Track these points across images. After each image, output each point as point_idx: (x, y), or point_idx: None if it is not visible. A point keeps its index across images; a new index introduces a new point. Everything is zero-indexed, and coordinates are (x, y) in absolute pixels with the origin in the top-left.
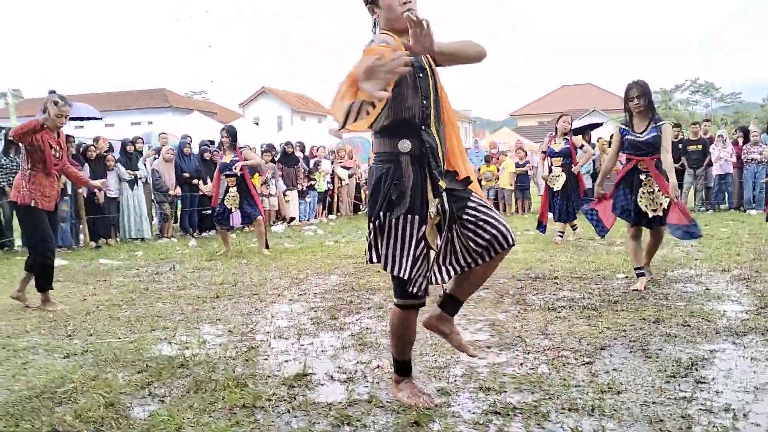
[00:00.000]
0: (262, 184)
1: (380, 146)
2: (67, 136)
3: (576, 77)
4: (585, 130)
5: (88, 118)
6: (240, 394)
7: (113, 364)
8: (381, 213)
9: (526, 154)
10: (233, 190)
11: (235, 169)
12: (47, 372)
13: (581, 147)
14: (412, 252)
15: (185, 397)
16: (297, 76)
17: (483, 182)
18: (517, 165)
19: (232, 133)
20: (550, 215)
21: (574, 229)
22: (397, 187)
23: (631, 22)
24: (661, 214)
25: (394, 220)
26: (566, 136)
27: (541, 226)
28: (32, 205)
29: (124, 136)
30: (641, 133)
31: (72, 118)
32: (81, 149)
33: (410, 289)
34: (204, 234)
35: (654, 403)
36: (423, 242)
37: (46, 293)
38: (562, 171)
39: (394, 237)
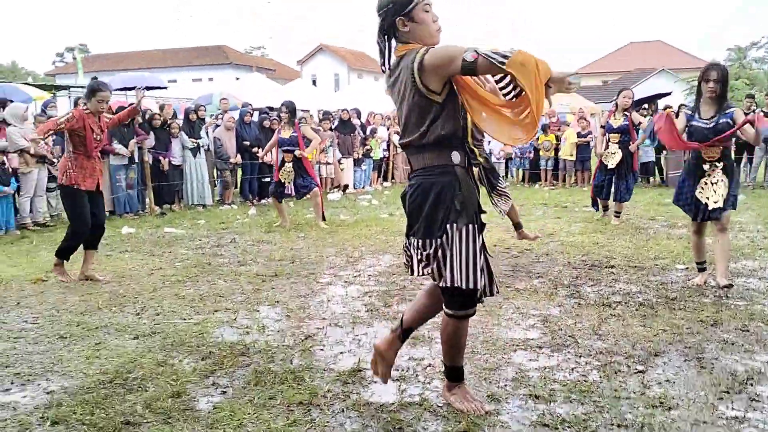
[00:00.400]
0: (321, 152)
1: (432, 159)
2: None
3: (645, 35)
4: (652, 100)
5: (154, 88)
6: (297, 389)
7: (179, 348)
8: (447, 226)
9: (589, 124)
10: (289, 166)
11: (299, 154)
12: (119, 355)
13: (639, 124)
14: (479, 261)
15: (246, 390)
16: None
17: (541, 152)
18: (579, 135)
19: (291, 109)
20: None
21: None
22: (460, 197)
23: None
24: (721, 204)
25: (458, 231)
26: (626, 112)
27: (596, 203)
28: (74, 187)
29: (186, 92)
30: (709, 120)
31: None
32: (146, 117)
33: (477, 297)
34: (263, 201)
35: (704, 422)
36: (483, 251)
37: (61, 261)
38: (619, 148)
39: (462, 249)
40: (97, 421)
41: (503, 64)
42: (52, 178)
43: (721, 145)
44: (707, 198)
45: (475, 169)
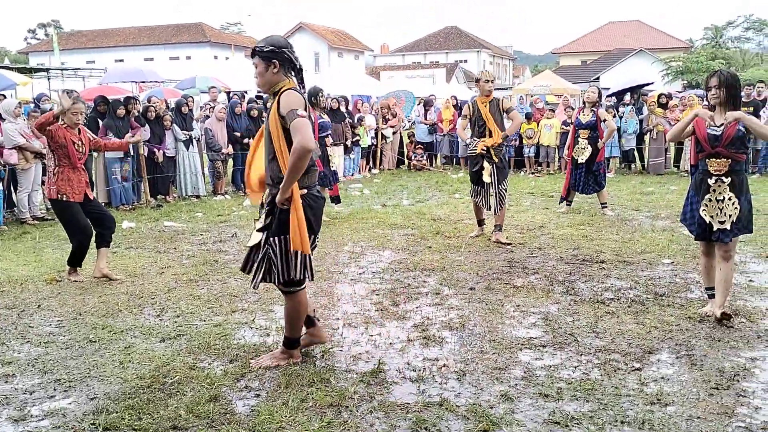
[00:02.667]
0: None
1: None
2: (129, 98)
3: (623, 14)
4: (634, 90)
5: (152, 81)
6: (326, 391)
7: (206, 351)
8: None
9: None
10: (331, 149)
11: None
12: (150, 359)
13: (604, 121)
14: None
15: (278, 392)
16: None
17: (525, 140)
18: (565, 124)
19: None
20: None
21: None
22: None
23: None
24: (728, 227)
25: None
26: (593, 108)
27: (565, 201)
28: (63, 199)
29: (165, 73)
30: (719, 127)
31: (137, 82)
32: (142, 110)
33: None
34: None
35: (698, 418)
36: None
37: (74, 268)
38: (588, 144)
39: None
40: (146, 426)
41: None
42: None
43: (731, 157)
44: (711, 217)
45: (489, 166)
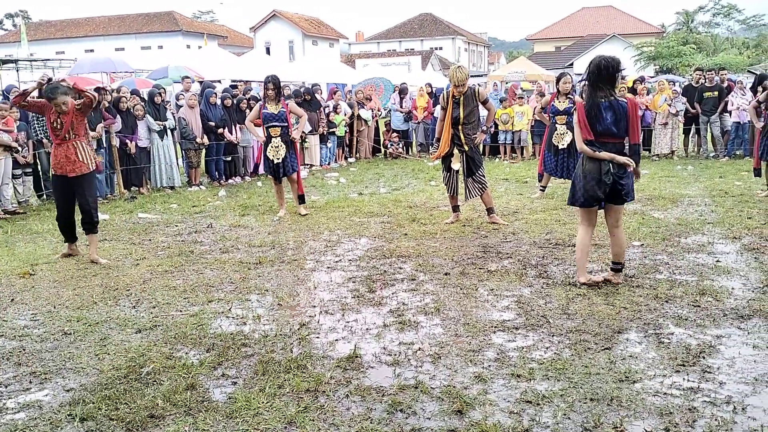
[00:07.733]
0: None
1: None
2: (99, 88)
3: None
4: None
5: (123, 72)
6: (302, 377)
7: (183, 341)
8: None
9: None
10: (278, 141)
11: (296, 133)
12: (126, 350)
13: None
14: None
15: (255, 380)
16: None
17: (500, 125)
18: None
19: (277, 84)
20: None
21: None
22: None
23: None
24: None
25: None
26: (569, 95)
27: (541, 176)
28: (51, 172)
29: (137, 63)
30: None
31: (108, 73)
32: (113, 101)
33: None
34: (230, 181)
35: (665, 394)
36: None
37: (66, 243)
38: (567, 129)
39: None
40: (123, 415)
41: None
42: (17, 164)
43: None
44: None
45: (458, 153)
